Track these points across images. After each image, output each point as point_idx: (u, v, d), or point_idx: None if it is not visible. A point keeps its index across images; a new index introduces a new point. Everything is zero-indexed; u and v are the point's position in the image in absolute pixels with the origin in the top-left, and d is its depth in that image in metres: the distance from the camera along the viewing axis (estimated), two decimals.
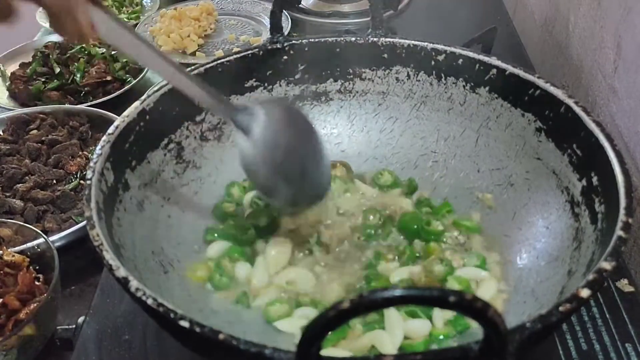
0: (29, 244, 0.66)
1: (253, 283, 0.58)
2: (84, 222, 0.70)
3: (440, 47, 0.66)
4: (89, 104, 0.94)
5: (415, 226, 0.62)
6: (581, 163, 0.56)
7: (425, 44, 0.67)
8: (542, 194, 0.60)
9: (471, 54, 0.65)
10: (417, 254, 0.60)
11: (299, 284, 0.58)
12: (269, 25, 0.71)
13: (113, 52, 1.05)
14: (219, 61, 0.66)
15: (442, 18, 1.16)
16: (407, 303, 0.31)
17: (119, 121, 0.58)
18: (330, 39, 0.69)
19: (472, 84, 0.66)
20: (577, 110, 0.56)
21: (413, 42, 0.67)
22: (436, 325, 0.54)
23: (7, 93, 1.02)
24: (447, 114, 0.68)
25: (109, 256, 0.45)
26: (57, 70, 1.02)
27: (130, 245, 0.53)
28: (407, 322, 0.54)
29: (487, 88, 0.65)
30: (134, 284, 0.43)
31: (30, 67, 1.03)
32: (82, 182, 0.80)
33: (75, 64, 1.02)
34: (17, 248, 0.66)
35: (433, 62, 0.67)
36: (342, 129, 0.72)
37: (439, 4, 1.22)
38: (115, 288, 0.63)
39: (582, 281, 0.41)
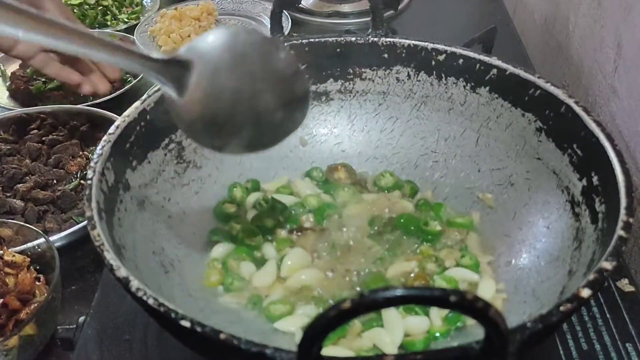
0: (30, 244, 0.66)
1: (262, 284, 0.58)
2: (85, 222, 0.70)
3: (440, 47, 0.66)
4: (89, 103, 0.94)
5: (413, 227, 0.62)
6: (581, 163, 0.56)
7: (426, 44, 0.67)
8: (542, 194, 0.60)
9: (471, 54, 0.65)
10: (415, 253, 0.60)
11: (310, 284, 0.58)
12: (269, 25, 0.71)
13: None
14: None
15: (442, 18, 1.16)
16: (407, 303, 0.31)
17: (120, 121, 0.58)
18: (330, 39, 0.69)
19: (473, 84, 0.66)
20: (578, 110, 0.56)
21: (413, 42, 0.67)
22: (434, 322, 0.54)
23: (7, 93, 1.02)
24: (447, 114, 0.68)
25: (109, 256, 0.45)
26: None
27: (130, 245, 0.53)
28: (407, 320, 0.54)
29: (487, 88, 0.65)
30: (134, 283, 0.43)
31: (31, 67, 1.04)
32: (82, 182, 0.80)
33: None
34: (18, 248, 0.66)
35: (433, 62, 0.67)
36: (343, 129, 0.72)
37: (439, 4, 1.22)
38: (116, 288, 0.63)
39: (583, 281, 0.41)
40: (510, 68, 0.63)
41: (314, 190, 0.68)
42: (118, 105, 0.87)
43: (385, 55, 0.68)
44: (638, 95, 0.70)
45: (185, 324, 0.39)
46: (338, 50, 0.69)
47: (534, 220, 0.60)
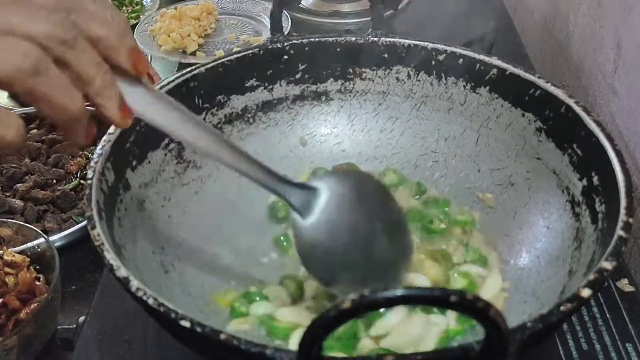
0: (29, 244, 0.66)
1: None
2: (85, 222, 0.70)
3: (440, 46, 0.66)
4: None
5: (419, 224, 0.63)
6: (581, 163, 0.56)
7: (426, 43, 0.67)
8: (542, 194, 0.60)
9: (471, 54, 0.65)
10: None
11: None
12: (269, 25, 0.71)
13: None
14: (219, 61, 0.66)
15: (442, 18, 1.16)
16: (408, 303, 0.31)
17: None
18: (330, 39, 0.69)
19: (473, 83, 0.66)
20: (578, 110, 0.56)
21: (413, 42, 0.67)
22: (449, 322, 0.54)
23: (7, 93, 1.02)
24: (447, 113, 0.68)
25: (109, 256, 0.45)
26: None
27: (130, 245, 0.53)
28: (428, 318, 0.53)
29: (487, 88, 0.65)
30: (134, 283, 0.43)
31: None
32: (82, 181, 0.80)
33: None
34: (18, 248, 0.66)
35: (433, 62, 0.67)
36: (343, 128, 0.72)
37: (439, 4, 1.22)
38: (115, 288, 0.63)
39: (583, 281, 0.41)
40: (510, 68, 0.63)
41: None
42: None
43: (385, 55, 0.68)
44: (638, 95, 0.70)
45: (185, 324, 0.39)
46: (338, 50, 0.69)
47: (534, 220, 0.60)
